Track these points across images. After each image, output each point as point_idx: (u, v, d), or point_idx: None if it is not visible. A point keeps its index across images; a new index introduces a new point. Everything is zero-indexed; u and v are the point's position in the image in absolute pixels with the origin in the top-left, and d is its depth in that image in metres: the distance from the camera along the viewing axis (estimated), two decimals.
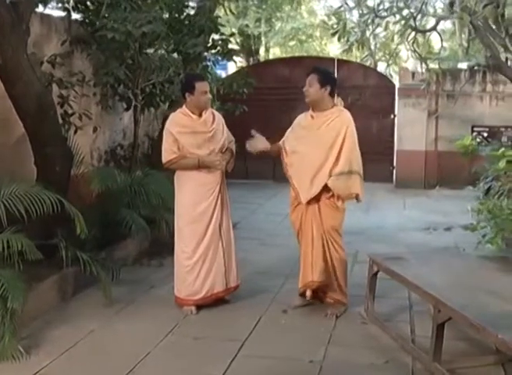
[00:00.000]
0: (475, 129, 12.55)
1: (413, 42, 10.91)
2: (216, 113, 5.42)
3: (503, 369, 4.27)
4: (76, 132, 6.88)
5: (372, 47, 15.86)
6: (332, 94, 5.22)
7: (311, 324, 5.08)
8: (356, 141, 5.14)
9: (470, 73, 12.11)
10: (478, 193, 10.53)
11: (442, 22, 12.00)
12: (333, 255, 5.24)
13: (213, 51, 7.86)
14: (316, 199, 5.12)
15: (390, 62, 14.51)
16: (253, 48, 13.76)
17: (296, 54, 19.85)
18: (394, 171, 13.04)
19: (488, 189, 7.15)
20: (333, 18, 26.94)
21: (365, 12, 13.34)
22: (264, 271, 6.60)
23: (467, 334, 4.63)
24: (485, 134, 12.50)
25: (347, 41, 13.76)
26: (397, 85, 12.99)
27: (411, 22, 12.08)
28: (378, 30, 13.91)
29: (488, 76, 12.23)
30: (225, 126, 5.42)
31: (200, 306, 5.31)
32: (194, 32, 7.34)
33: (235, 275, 5.46)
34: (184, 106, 5.24)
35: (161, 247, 6.83)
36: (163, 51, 7.48)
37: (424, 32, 12.05)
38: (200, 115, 5.21)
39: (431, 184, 12.65)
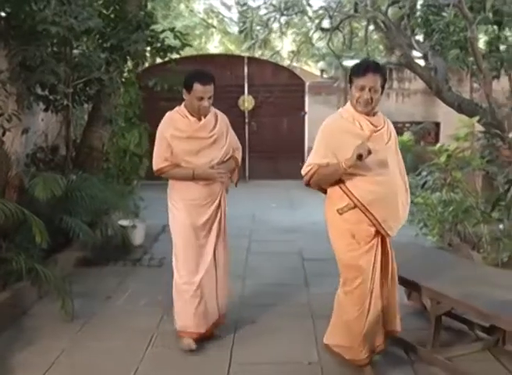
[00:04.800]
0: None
1: (328, 40, 11.04)
2: (220, 114, 4.57)
3: (490, 354, 4.38)
4: (4, 134, 6.34)
5: (279, 44, 16.02)
6: None
7: (291, 327, 4.94)
8: None
9: None
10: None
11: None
12: (393, 293, 4.09)
13: (148, 48, 7.50)
14: None
15: (295, 59, 14.73)
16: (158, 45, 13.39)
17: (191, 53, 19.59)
18: None
19: (424, 183, 7.30)
20: (213, 16, 27.10)
21: (271, 10, 13.44)
22: None
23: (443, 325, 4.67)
24: None
25: (252, 39, 13.78)
26: (307, 82, 13.12)
27: (316, 22, 12.33)
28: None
29: (395, 74, 12.62)
30: (230, 129, 4.60)
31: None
32: (129, 28, 6.93)
33: (224, 302, 4.70)
34: (182, 105, 4.46)
35: (105, 252, 6.52)
36: (91, 49, 7.05)
37: (328, 30, 12.26)
38: (199, 117, 4.40)
39: None
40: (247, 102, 13.04)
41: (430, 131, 12.33)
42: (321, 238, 7.79)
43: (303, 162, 13.48)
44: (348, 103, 3.92)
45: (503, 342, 4.35)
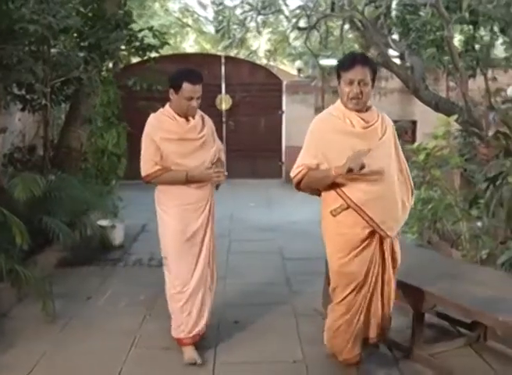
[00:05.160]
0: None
1: (306, 39, 11.05)
2: (206, 117, 4.40)
3: (472, 350, 4.43)
4: None
5: (255, 44, 16.02)
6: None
7: (275, 326, 4.94)
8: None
9: None
10: None
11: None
12: (391, 299, 3.95)
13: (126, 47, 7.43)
14: None
15: (271, 58, 14.73)
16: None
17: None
18: (283, 167, 13.17)
19: None
20: (188, 15, 27.10)
21: (247, 9, 13.44)
22: None
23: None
24: None
25: (229, 38, 13.76)
26: (284, 82, 13.13)
27: (293, 21, 12.36)
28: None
29: None
30: (214, 132, 4.46)
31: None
32: (107, 26, 6.85)
33: (209, 312, 4.53)
34: (167, 106, 4.25)
35: (85, 253, 6.47)
36: (69, 48, 6.98)
37: (305, 29, 12.29)
38: (187, 118, 4.21)
39: None
40: (224, 102, 13.01)
41: (407, 130, 12.40)
42: (301, 237, 7.94)
43: (281, 161, 13.54)
44: (338, 101, 3.77)
45: (484, 338, 4.40)
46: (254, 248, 7.47)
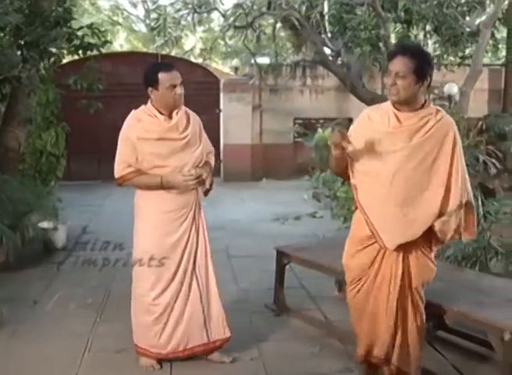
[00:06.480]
0: (297, 121, 13.15)
1: (244, 38, 11.11)
2: (192, 114, 4.06)
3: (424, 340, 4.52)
4: None
5: (188, 43, 15.94)
6: (429, 85, 3.42)
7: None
8: (462, 153, 3.42)
9: (291, 68, 12.63)
10: (312, 183, 11.11)
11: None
12: (410, 325, 3.54)
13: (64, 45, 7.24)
14: (407, 245, 3.40)
15: (207, 57, 14.72)
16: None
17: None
18: (221, 165, 13.19)
19: None
20: (119, 14, 26.80)
21: (183, 8, 13.39)
22: None
23: None
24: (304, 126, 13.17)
25: (164, 36, 13.68)
26: (222, 80, 13.14)
27: (231, 19, 12.40)
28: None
29: (308, 71, 12.86)
30: (203, 131, 4.10)
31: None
32: (46, 24, 6.65)
33: (221, 324, 4.14)
34: (149, 103, 3.95)
35: (27, 256, 6.36)
36: (6, 46, 6.76)
37: (242, 28, 12.35)
38: (170, 116, 3.91)
39: (258, 176, 13.01)
40: None
41: (344, 127, 12.64)
42: (245, 235, 7.98)
43: (219, 159, 13.49)
44: None
45: (436, 328, 4.51)
46: None
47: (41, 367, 4.17)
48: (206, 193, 4.12)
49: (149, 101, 3.97)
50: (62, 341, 4.56)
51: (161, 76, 3.82)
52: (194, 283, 4.02)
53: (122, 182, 3.96)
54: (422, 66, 3.26)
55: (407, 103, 3.32)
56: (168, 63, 4.07)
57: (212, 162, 4.19)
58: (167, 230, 3.94)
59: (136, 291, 4.07)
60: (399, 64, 3.25)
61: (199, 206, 4.09)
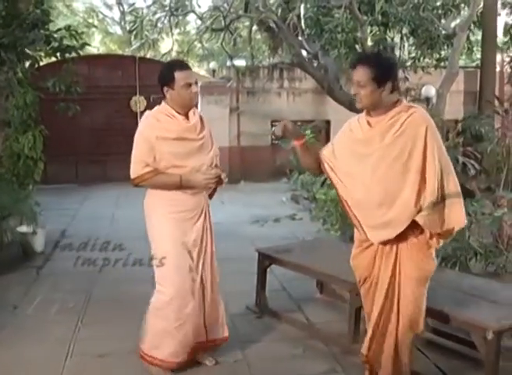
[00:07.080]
0: (274, 124, 13.16)
1: (222, 40, 11.11)
2: (204, 118, 4.09)
3: None
4: None
5: (164, 45, 15.87)
6: (395, 88, 3.43)
7: None
8: (443, 146, 3.42)
9: (268, 71, 12.66)
10: (290, 185, 11.15)
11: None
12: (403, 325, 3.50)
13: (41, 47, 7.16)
14: (399, 238, 3.41)
15: (184, 59, 14.66)
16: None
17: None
18: None
19: (324, 180, 7.57)
20: (94, 16, 26.63)
21: (159, 10, 13.36)
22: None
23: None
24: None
25: (141, 39, 13.62)
26: (199, 83, 13.12)
27: (208, 22, 12.39)
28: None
29: (286, 74, 12.90)
30: (212, 135, 4.10)
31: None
32: (23, 26, 6.58)
33: (220, 324, 4.19)
34: (164, 103, 3.93)
35: (5, 261, 6.31)
36: None
37: (219, 31, 12.35)
38: (186, 116, 3.91)
39: (236, 179, 13.00)
40: (138, 103, 12.87)
41: (321, 129, 12.69)
42: (224, 238, 7.82)
43: None
44: None
45: None
46: None
47: (25, 373, 4.13)
48: (211, 196, 4.16)
49: (163, 102, 3.94)
50: (43, 346, 4.52)
51: (177, 74, 3.82)
52: (199, 281, 3.98)
53: (139, 182, 3.90)
54: (382, 73, 3.33)
55: (374, 108, 3.40)
56: (182, 62, 4.08)
57: (219, 164, 4.13)
58: (184, 230, 3.90)
59: (160, 297, 3.92)
60: (359, 74, 3.34)
61: (208, 207, 4.09)
